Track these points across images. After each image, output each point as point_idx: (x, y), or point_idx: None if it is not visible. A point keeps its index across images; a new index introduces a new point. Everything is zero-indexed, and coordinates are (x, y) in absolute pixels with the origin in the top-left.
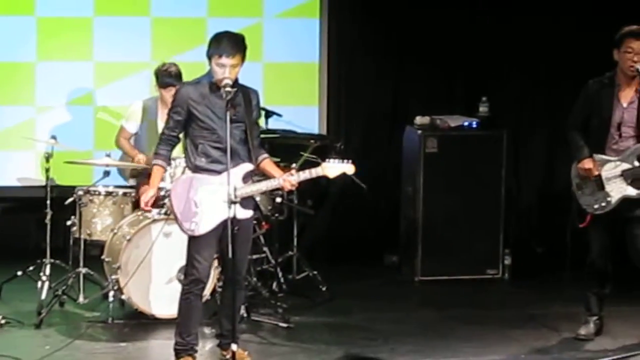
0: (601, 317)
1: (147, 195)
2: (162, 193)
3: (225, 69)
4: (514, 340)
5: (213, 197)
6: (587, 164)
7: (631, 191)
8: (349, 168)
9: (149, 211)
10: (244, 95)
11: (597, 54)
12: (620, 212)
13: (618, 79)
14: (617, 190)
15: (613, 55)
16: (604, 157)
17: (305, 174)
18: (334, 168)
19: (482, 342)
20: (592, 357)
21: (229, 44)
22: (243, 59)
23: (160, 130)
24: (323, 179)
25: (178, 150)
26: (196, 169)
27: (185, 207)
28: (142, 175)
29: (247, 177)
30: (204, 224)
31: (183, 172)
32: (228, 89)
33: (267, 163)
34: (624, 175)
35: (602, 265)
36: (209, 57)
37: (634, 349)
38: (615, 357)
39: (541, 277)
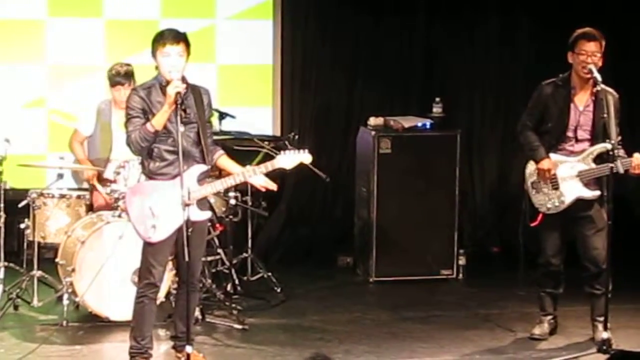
0: (555, 316)
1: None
2: (116, 195)
3: (171, 58)
4: (469, 340)
5: (169, 203)
6: (546, 164)
7: (586, 192)
8: (305, 157)
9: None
10: (195, 95)
11: (548, 56)
12: (572, 212)
13: (573, 82)
14: (572, 190)
15: (567, 58)
16: (561, 157)
17: (261, 169)
18: (290, 159)
19: (436, 343)
20: (546, 356)
21: (171, 33)
22: (188, 52)
23: (114, 132)
24: (277, 179)
25: (131, 154)
26: (150, 174)
27: (141, 214)
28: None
29: (202, 179)
30: (162, 231)
31: (139, 178)
32: (179, 87)
33: (225, 159)
34: (580, 176)
35: (555, 264)
36: (154, 53)
37: (587, 347)
38: (569, 357)
39: (496, 277)
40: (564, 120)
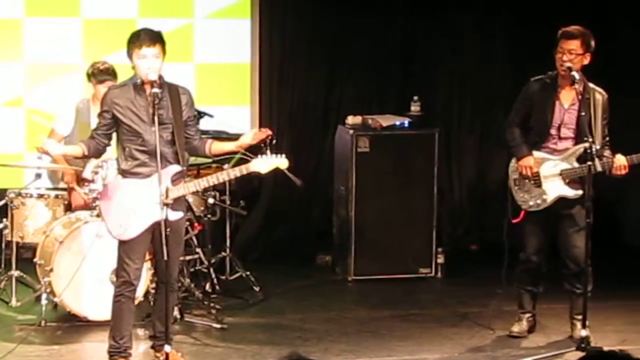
0: (534, 314)
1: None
2: (94, 195)
3: (147, 60)
4: (448, 339)
5: (141, 201)
6: (528, 161)
7: (568, 191)
8: (281, 162)
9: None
10: (172, 95)
11: (526, 56)
12: (554, 210)
13: (559, 80)
14: (554, 189)
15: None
16: (544, 155)
17: (236, 172)
18: (265, 163)
19: (416, 341)
20: (525, 354)
21: (147, 35)
22: (163, 51)
23: None
24: (255, 179)
25: (110, 153)
26: (124, 173)
27: (113, 212)
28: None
29: (176, 179)
30: (133, 228)
31: (114, 176)
32: (155, 90)
33: (216, 144)
34: (563, 174)
35: (536, 262)
36: (130, 54)
37: (566, 345)
38: (547, 355)
39: (474, 275)
40: (547, 117)
